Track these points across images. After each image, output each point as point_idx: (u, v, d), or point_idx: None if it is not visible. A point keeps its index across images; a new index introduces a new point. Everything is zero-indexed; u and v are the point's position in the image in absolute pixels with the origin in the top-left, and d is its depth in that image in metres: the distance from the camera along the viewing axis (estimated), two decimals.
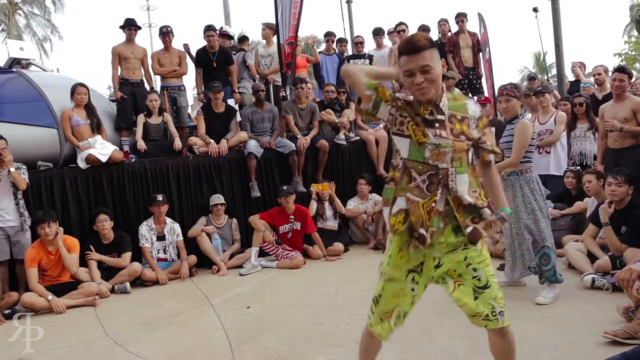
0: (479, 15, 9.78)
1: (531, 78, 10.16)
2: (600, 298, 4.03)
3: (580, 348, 3.13)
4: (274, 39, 8.10)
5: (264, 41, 8.60)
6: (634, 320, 3.20)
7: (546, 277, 4.09)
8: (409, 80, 2.16)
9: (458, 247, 2.21)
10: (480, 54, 8.98)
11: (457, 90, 6.76)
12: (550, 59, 10.76)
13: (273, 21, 7.79)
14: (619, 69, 5.62)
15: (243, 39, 9.19)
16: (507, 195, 4.02)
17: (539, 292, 4.12)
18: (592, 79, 7.45)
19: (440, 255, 2.22)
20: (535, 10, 9.51)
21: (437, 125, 2.19)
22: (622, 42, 25.29)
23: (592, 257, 4.69)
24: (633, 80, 6.90)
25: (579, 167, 6.08)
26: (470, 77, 8.75)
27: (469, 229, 2.17)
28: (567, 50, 11.66)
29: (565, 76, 10.96)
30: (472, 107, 2.29)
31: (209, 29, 7.66)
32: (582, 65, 9.13)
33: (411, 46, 2.13)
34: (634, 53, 21.34)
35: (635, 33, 21.40)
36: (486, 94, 9.03)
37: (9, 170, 5.26)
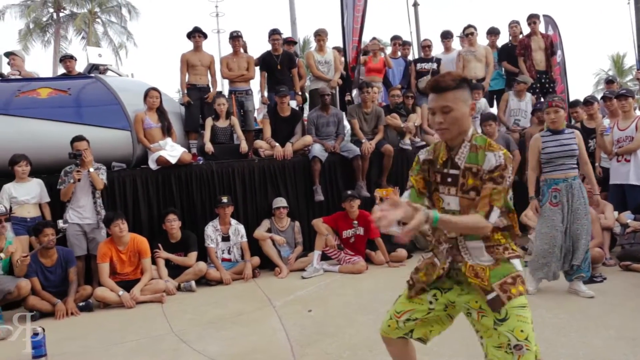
0: (546, 16, 9.38)
1: (610, 81, 9.64)
2: None
3: None
4: (328, 45, 8.08)
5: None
6: None
7: (582, 276, 4.50)
8: (432, 119, 2.19)
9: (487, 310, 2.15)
10: (553, 56, 8.60)
11: (495, 139, 6.68)
12: (630, 61, 10.14)
13: (338, 26, 7.80)
14: None
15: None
16: (570, 197, 4.45)
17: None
18: None
19: (467, 288, 2.23)
20: None
21: (449, 180, 2.19)
22: None
23: None
24: None
25: None
26: (543, 80, 8.39)
27: (491, 295, 2.10)
28: None
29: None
30: (491, 159, 2.11)
31: (274, 32, 7.77)
32: None
33: (435, 85, 2.13)
34: None
35: None
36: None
37: (88, 170, 5.54)
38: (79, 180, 5.49)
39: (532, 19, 8.36)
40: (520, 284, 2.12)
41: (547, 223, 4.49)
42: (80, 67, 8.45)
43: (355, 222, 6.25)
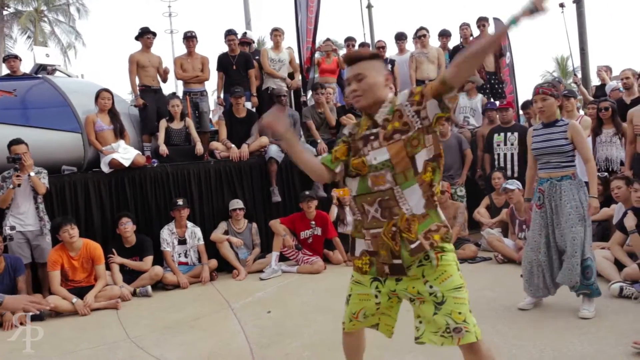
0: (496, 19, 9.67)
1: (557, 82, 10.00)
2: (628, 307, 3.93)
3: (608, 358, 3.05)
4: (283, 44, 8.08)
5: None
6: None
7: (586, 292, 3.82)
8: (348, 90, 2.25)
9: (413, 264, 2.15)
10: (502, 58, 8.88)
11: (447, 138, 6.93)
12: (575, 62, 10.57)
13: (293, 27, 7.82)
14: None
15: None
16: (554, 202, 3.83)
17: (568, 302, 4.04)
18: (615, 82, 7.32)
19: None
20: (561, 5, 9.29)
21: (372, 138, 2.19)
22: None
23: (619, 265, 4.59)
24: None
25: (606, 174, 5.95)
26: (492, 81, 8.66)
27: (414, 244, 2.10)
28: (592, 53, 11.42)
29: (590, 80, 10.78)
30: (402, 94, 2.20)
31: (230, 33, 7.73)
32: (608, 69, 8.97)
33: (348, 57, 2.28)
34: None
35: None
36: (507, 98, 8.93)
37: (29, 175, 5.35)
38: (18, 185, 5.28)
39: (482, 22, 8.61)
40: (442, 232, 2.15)
41: (532, 227, 4.02)
42: (26, 67, 8.15)
43: (313, 222, 6.28)
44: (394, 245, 2.13)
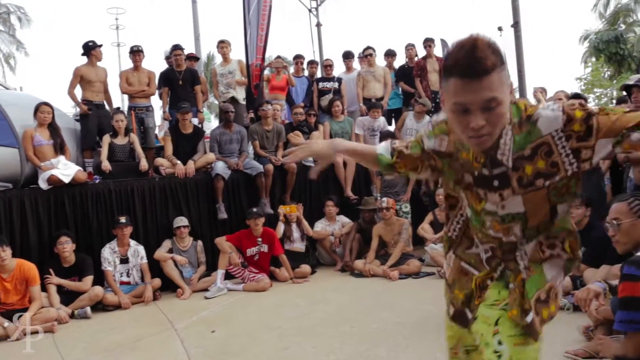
0: (443, 41, 10.01)
1: None
2: (560, 318, 4.04)
3: None
4: (232, 56, 8.11)
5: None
6: (594, 339, 3.25)
7: None
8: (461, 120, 1.42)
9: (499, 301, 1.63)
10: None
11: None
12: (513, 84, 11.06)
13: (242, 43, 7.83)
14: (574, 96, 5.89)
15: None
16: None
17: None
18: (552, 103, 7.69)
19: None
20: (499, 29, 9.79)
21: (495, 184, 1.55)
22: (582, 68, 26.36)
23: None
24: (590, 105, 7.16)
25: None
26: (437, 100, 8.91)
27: (529, 318, 1.55)
28: (528, 75, 12.00)
29: (527, 101, 11.28)
30: (547, 118, 1.47)
31: (176, 48, 7.68)
32: (544, 91, 9.38)
33: (472, 65, 1.32)
34: (591, 78, 22.62)
35: (594, 59, 22.41)
36: None
37: None
38: None
39: (428, 42, 8.86)
40: (553, 300, 1.60)
41: None
42: None
43: (260, 239, 6.24)
44: (476, 296, 1.72)
